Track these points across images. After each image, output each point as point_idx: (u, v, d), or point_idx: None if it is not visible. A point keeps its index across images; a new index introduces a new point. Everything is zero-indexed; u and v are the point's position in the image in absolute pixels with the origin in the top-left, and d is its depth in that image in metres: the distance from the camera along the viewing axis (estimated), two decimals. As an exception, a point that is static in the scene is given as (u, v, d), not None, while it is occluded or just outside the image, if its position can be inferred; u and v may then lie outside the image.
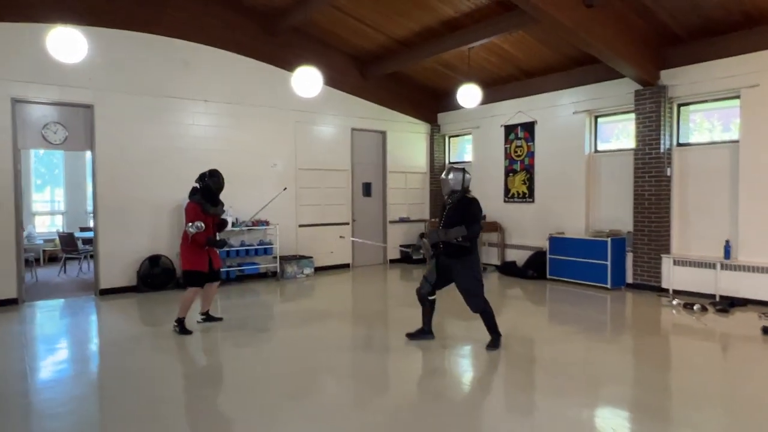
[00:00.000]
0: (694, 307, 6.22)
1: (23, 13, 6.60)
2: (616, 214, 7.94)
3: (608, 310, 6.72)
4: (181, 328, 5.41)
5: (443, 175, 4.80)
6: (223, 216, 5.78)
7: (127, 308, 6.79)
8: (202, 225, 5.21)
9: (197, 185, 5.47)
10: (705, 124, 7.55)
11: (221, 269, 6.06)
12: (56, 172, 12.56)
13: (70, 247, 9.26)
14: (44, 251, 10.58)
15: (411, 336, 5.11)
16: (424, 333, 5.10)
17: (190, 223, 5.20)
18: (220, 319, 5.91)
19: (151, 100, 7.67)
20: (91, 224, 11.12)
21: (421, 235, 4.86)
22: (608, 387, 4.00)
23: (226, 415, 3.52)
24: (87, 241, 9.45)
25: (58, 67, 6.46)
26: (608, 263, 7.46)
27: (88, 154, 7.53)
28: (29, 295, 7.35)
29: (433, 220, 5.27)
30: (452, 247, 4.67)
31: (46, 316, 6.47)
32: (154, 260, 7.69)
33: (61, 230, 10.36)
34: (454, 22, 7.68)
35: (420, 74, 9.84)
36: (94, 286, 7.56)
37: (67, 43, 5.21)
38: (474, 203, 4.72)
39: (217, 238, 5.56)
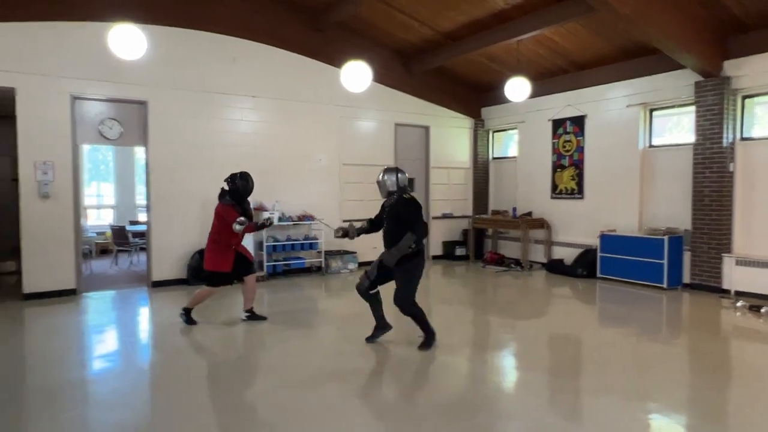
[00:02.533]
0: (762, 310, 5.91)
1: (81, 12, 6.79)
2: (672, 211, 7.63)
3: (664, 311, 6.48)
4: (187, 317, 5.54)
5: (378, 178, 4.77)
6: (268, 215, 5.94)
7: (179, 300, 6.90)
8: (245, 219, 5.33)
9: (226, 186, 5.50)
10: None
11: (255, 262, 6.19)
12: (102, 167, 12.97)
13: (122, 240, 9.53)
14: (96, 244, 10.93)
15: (369, 339, 4.90)
16: (381, 329, 4.91)
17: (236, 223, 5.26)
18: (264, 318, 5.81)
19: (201, 96, 7.79)
20: (140, 218, 11.47)
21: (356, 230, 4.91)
22: (663, 390, 3.82)
23: (273, 404, 3.53)
24: (137, 234, 9.70)
25: (114, 64, 6.62)
26: (665, 262, 7.17)
27: (138, 149, 7.71)
28: (85, 286, 7.59)
29: (352, 222, 5.31)
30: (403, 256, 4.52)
31: (103, 306, 6.67)
32: (203, 254, 7.80)
33: (112, 224, 10.68)
34: (504, 14, 7.51)
35: (465, 68, 9.69)
36: (146, 278, 7.75)
37: (127, 40, 5.32)
38: (411, 203, 4.60)
39: (263, 221, 5.75)
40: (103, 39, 5.72)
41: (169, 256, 7.64)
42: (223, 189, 5.52)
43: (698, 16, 6.51)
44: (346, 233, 4.90)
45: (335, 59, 8.31)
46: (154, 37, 7.20)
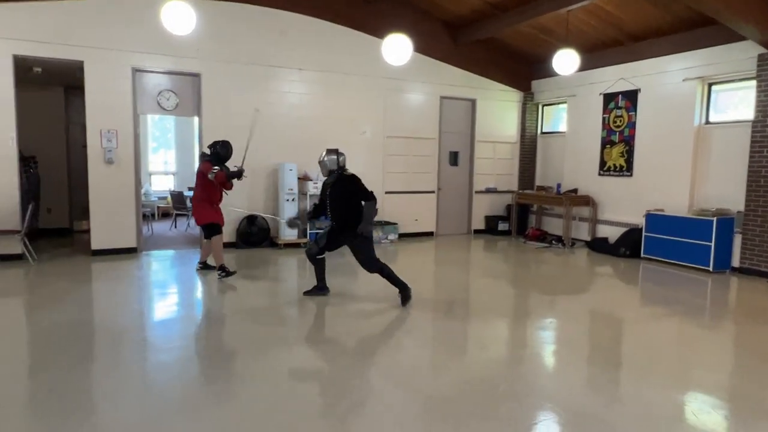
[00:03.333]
0: (811, 297, 5.64)
1: (142, -12, 7.21)
2: (726, 192, 7.28)
3: (708, 294, 6.29)
4: (225, 271, 6.22)
5: (319, 158, 5.30)
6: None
7: (227, 261, 7.41)
8: (218, 168, 6.08)
9: (208, 151, 6.31)
10: None
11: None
12: (169, 136, 13.74)
13: (180, 205, 10.20)
14: (158, 207, 11.73)
15: (307, 293, 5.48)
16: (320, 289, 5.47)
17: (210, 173, 6.03)
18: (213, 267, 6.43)
19: (251, 69, 8.12)
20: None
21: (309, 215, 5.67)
22: (698, 373, 3.80)
23: (307, 352, 3.83)
24: (195, 200, 10.30)
25: (171, 38, 7.00)
26: (712, 244, 6.91)
27: (196, 119, 8.20)
28: (146, 245, 8.26)
29: (300, 211, 6.47)
30: (346, 220, 5.10)
31: (159, 263, 7.27)
32: (251, 219, 8.28)
33: (172, 189, 11.40)
34: (553, -17, 7.29)
35: (514, 40, 9.48)
36: (199, 240, 8.32)
37: (178, 15, 5.65)
38: (353, 177, 5.16)
39: (237, 167, 6.36)
40: (165, 12, 6.08)
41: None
42: (203, 153, 6.40)
43: (763, -18, 6.07)
44: (295, 222, 5.88)
45: (382, 31, 8.32)
46: (207, 12, 7.56)
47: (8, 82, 6.74)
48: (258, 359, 3.82)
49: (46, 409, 3.03)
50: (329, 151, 5.28)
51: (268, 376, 3.54)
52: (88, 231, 7.56)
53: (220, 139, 6.44)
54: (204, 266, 6.59)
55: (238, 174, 6.30)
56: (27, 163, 8.00)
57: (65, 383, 3.34)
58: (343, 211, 5.15)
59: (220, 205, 6.48)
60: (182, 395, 3.26)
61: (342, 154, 5.28)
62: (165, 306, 5.44)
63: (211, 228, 6.32)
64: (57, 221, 9.30)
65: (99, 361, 3.85)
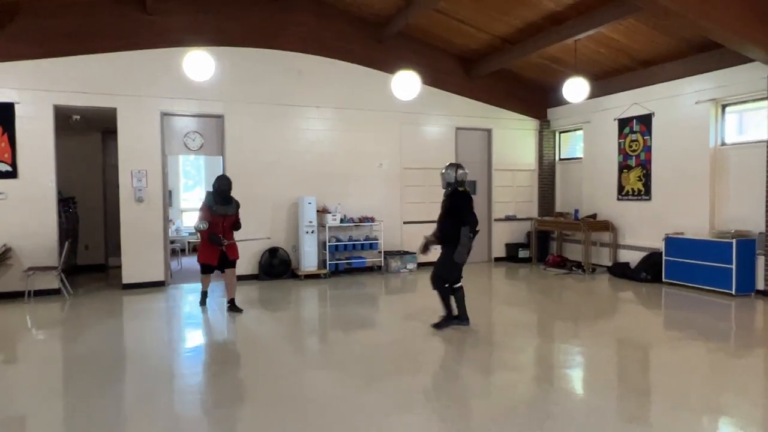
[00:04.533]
0: (834, 319, 5.45)
1: (168, 39, 7.78)
2: (746, 213, 7.15)
3: (731, 318, 6.13)
4: (202, 298, 6.67)
5: (441, 170, 5.45)
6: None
7: (250, 293, 7.67)
8: (206, 224, 6.09)
9: (211, 189, 6.37)
10: None
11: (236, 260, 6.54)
12: (201, 173, 14.36)
13: (208, 239, 10.59)
14: (189, 242, 12.22)
15: (437, 326, 5.42)
16: (456, 319, 5.41)
17: (200, 224, 6.11)
18: (241, 310, 6.35)
19: (271, 108, 8.56)
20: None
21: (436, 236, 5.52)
22: (731, 403, 3.68)
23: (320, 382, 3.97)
24: (221, 234, 10.72)
25: (195, 83, 7.49)
26: (733, 267, 6.77)
27: (221, 158, 8.68)
28: (175, 279, 8.63)
29: (426, 236, 5.65)
30: (449, 234, 5.15)
31: (186, 296, 7.59)
32: (273, 252, 8.58)
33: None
34: (558, 16, 7.49)
35: (526, 70, 9.68)
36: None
37: (198, 64, 6.11)
38: (456, 195, 5.17)
39: (223, 239, 6.25)
40: (187, 61, 6.57)
41: (244, 253, 8.36)
42: (207, 191, 6.48)
43: (765, 4, 6.10)
44: (426, 246, 5.54)
45: (395, 68, 8.62)
46: (229, 58, 8.08)
47: (49, 131, 7.33)
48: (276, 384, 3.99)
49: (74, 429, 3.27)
50: (450, 165, 5.39)
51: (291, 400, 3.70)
52: (121, 266, 7.98)
53: (223, 173, 6.96)
54: (231, 306, 6.43)
55: (217, 241, 6.20)
56: (66, 203, 8.57)
57: (90, 407, 3.58)
58: (443, 225, 5.27)
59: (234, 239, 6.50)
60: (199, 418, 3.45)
61: (462, 168, 5.35)
62: (188, 335, 5.71)
63: (203, 268, 6.51)
64: (94, 258, 9.82)
65: (120, 385, 4.10)
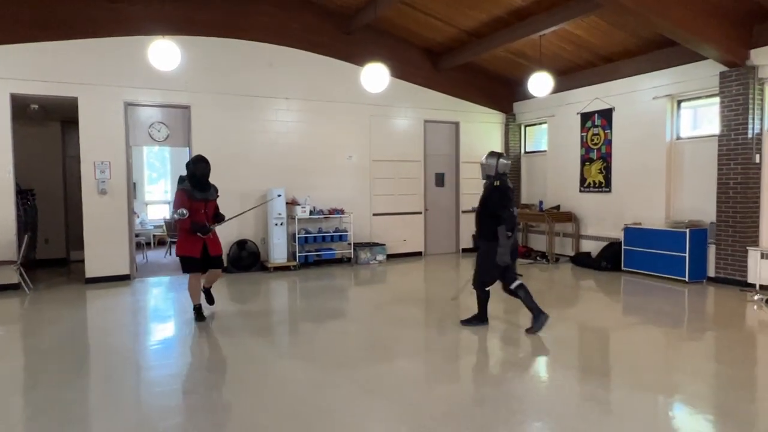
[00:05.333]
0: (777, 303, 5.82)
1: (132, 27, 7.59)
2: (700, 204, 7.51)
3: (683, 304, 6.45)
4: (198, 314, 5.43)
5: (481, 160, 4.93)
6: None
7: (218, 286, 7.58)
8: (185, 212, 5.12)
9: (185, 173, 5.42)
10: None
11: (220, 254, 5.74)
12: (157, 165, 14.08)
13: (175, 233, 10.44)
14: (154, 236, 11.99)
15: (531, 330, 4.90)
16: (537, 318, 4.88)
17: (174, 210, 5.25)
18: (212, 302, 5.79)
19: (239, 100, 8.47)
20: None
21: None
22: (675, 378, 3.96)
23: (290, 373, 4.02)
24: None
25: (161, 73, 7.35)
26: (686, 255, 7.11)
27: (188, 149, 8.53)
28: (140, 272, 8.48)
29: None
30: (483, 230, 4.85)
31: (151, 289, 7.48)
32: (241, 244, 8.52)
33: (166, 217, 11.67)
34: (523, 11, 7.65)
35: (493, 64, 9.85)
36: (191, 267, 8.54)
37: (164, 53, 6.00)
38: (496, 191, 4.69)
39: (210, 225, 5.41)
40: (151, 50, 6.43)
41: (211, 246, 8.37)
42: (181, 176, 5.44)
43: (717, 4, 6.41)
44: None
45: (365, 60, 8.65)
46: (196, 47, 7.95)
47: (5, 119, 7.07)
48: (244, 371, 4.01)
49: (41, 424, 3.22)
50: (491, 154, 4.87)
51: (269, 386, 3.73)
52: (83, 260, 7.79)
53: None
54: (206, 294, 5.77)
55: (204, 230, 5.31)
56: (24, 196, 8.29)
57: (54, 402, 3.53)
58: (481, 220, 4.88)
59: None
60: (168, 408, 3.45)
61: (505, 157, 4.82)
62: (154, 329, 5.64)
63: (185, 262, 5.39)
64: (54, 252, 9.54)
65: (86, 378, 4.04)
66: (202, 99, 8.22)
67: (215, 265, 5.57)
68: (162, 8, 7.68)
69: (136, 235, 9.45)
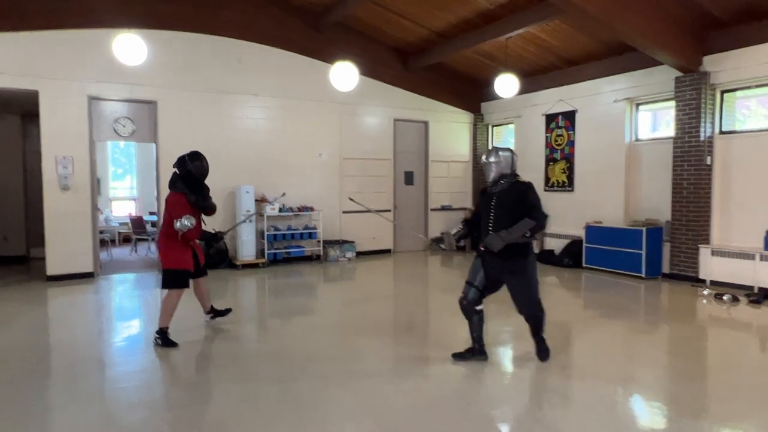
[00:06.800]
0: (724, 297, 6.14)
1: (96, 19, 7.43)
2: (656, 203, 7.83)
3: (638, 299, 6.73)
4: (164, 339, 4.55)
5: (485, 158, 4.02)
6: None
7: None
8: (193, 221, 4.49)
9: (177, 171, 4.68)
10: (761, 110, 7.29)
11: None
12: (123, 161, 13.80)
13: (140, 229, 10.28)
14: (119, 233, 11.75)
15: (459, 356, 4.24)
16: (474, 353, 4.21)
17: (178, 220, 4.44)
18: (229, 310, 5.34)
19: (207, 96, 8.40)
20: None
21: (465, 222, 4.36)
22: (630, 368, 4.17)
23: (261, 375, 4.06)
24: (155, 224, 10.41)
25: (126, 67, 7.20)
26: (643, 252, 7.41)
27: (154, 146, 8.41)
28: (104, 270, 8.33)
29: (447, 231, 4.52)
30: (510, 246, 3.82)
31: (115, 287, 7.36)
32: (208, 242, 8.43)
33: (133, 214, 11.46)
34: (491, 14, 7.83)
35: (462, 65, 10.02)
36: (157, 264, 8.44)
37: (129, 47, 5.92)
38: (532, 188, 3.90)
39: (214, 231, 5.06)
40: (116, 44, 6.32)
41: (178, 243, 8.28)
42: (174, 174, 4.70)
43: (673, 13, 6.70)
44: (440, 241, 4.27)
45: (335, 58, 8.69)
46: (163, 42, 7.85)
47: (-39, 112, 6.85)
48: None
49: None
50: (501, 150, 4.01)
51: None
52: (45, 258, 7.61)
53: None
54: (214, 313, 5.23)
55: (215, 238, 4.95)
56: (-19, 191, 8.04)
57: (12, 397, 3.49)
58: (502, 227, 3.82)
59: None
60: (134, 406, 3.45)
61: (515, 153, 4.07)
62: (119, 327, 5.58)
63: (175, 277, 4.61)
64: (14, 249, 9.27)
65: (45, 376, 3.99)
66: (169, 94, 8.11)
67: (203, 273, 4.99)
68: (127, 1, 7.55)
69: (100, 232, 9.27)
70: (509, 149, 4.03)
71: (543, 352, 4.16)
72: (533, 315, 4.05)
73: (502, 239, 3.74)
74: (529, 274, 3.96)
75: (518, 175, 4.00)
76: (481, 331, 4.18)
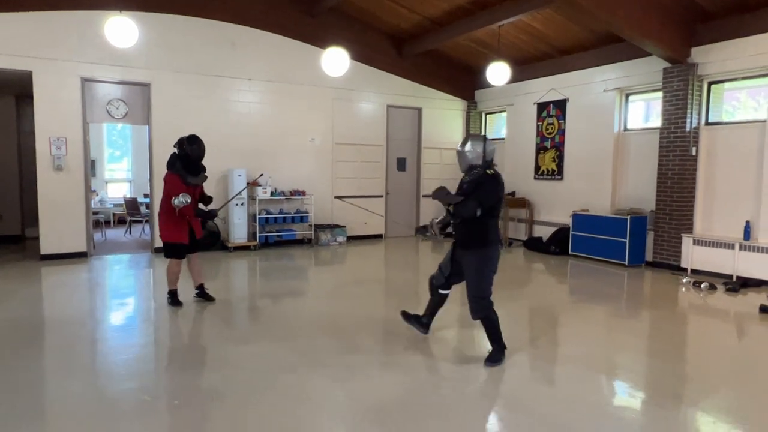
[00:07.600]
0: (702, 285, 6.28)
1: (90, 1, 7.46)
2: (642, 192, 7.95)
3: (622, 286, 6.87)
4: (172, 299, 5.26)
5: (459, 147, 3.94)
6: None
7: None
8: (189, 198, 4.84)
9: (176, 152, 5.06)
10: (750, 102, 7.38)
11: (205, 234, 5.74)
12: (120, 143, 13.85)
13: (134, 211, 10.39)
14: (114, 214, 11.86)
15: (405, 316, 4.45)
16: (420, 322, 4.35)
17: (175, 197, 4.83)
18: (212, 299, 5.50)
19: (200, 79, 8.45)
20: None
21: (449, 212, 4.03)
22: (613, 353, 4.32)
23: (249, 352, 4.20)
24: (149, 206, 10.51)
25: (119, 49, 7.27)
26: (626, 241, 7.55)
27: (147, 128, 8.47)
28: (98, 250, 8.45)
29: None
30: (466, 236, 3.86)
31: (107, 267, 7.49)
32: (203, 219, 8.55)
33: (127, 196, 11.56)
34: (484, 1, 7.86)
35: (456, 52, 10.05)
36: (150, 245, 8.57)
37: (121, 29, 5.98)
38: (489, 181, 3.78)
39: (206, 209, 5.27)
40: (108, 26, 6.36)
41: (171, 225, 8.39)
42: (172, 155, 5.09)
43: (663, 4, 6.75)
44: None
45: (328, 43, 8.72)
46: (159, 25, 7.89)
47: (-45, 92, 6.91)
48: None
49: (-19, 392, 3.33)
50: (473, 138, 3.90)
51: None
52: (39, 237, 7.72)
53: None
54: (201, 293, 5.50)
55: (210, 215, 5.27)
56: (-24, 170, 8.13)
57: (7, 376, 3.63)
58: (468, 222, 3.82)
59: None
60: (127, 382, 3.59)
61: (490, 141, 3.93)
62: (112, 305, 5.72)
63: (172, 249, 5.17)
64: (9, 228, 9.39)
65: (39, 349, 4.13)
66: (163, 77, 8.16)
67: (197, 248, 5.35)
68: (121, -17, 7.56)
69: (95, 213, 9.38)
70: (483, 138, 3.92)
71: (495, 356, 3.88)
72: (484, 316, 3.86)
73: (442, 192, 3.81)
74: (482, 261, 3.82)
75: (489, 167, 3.86)
76: (434, 310, 4.32)
